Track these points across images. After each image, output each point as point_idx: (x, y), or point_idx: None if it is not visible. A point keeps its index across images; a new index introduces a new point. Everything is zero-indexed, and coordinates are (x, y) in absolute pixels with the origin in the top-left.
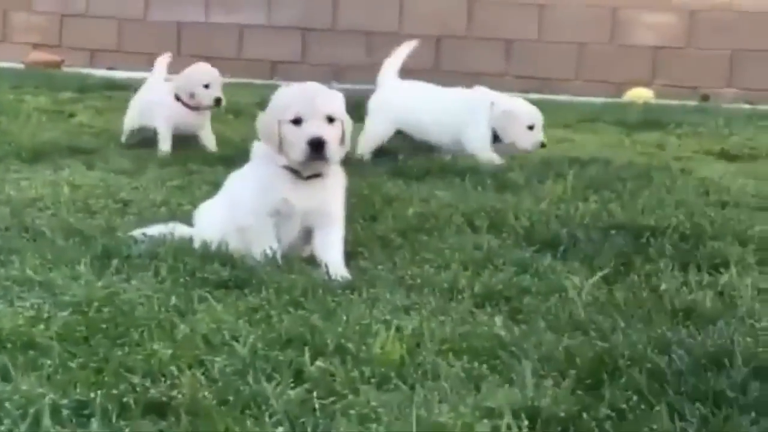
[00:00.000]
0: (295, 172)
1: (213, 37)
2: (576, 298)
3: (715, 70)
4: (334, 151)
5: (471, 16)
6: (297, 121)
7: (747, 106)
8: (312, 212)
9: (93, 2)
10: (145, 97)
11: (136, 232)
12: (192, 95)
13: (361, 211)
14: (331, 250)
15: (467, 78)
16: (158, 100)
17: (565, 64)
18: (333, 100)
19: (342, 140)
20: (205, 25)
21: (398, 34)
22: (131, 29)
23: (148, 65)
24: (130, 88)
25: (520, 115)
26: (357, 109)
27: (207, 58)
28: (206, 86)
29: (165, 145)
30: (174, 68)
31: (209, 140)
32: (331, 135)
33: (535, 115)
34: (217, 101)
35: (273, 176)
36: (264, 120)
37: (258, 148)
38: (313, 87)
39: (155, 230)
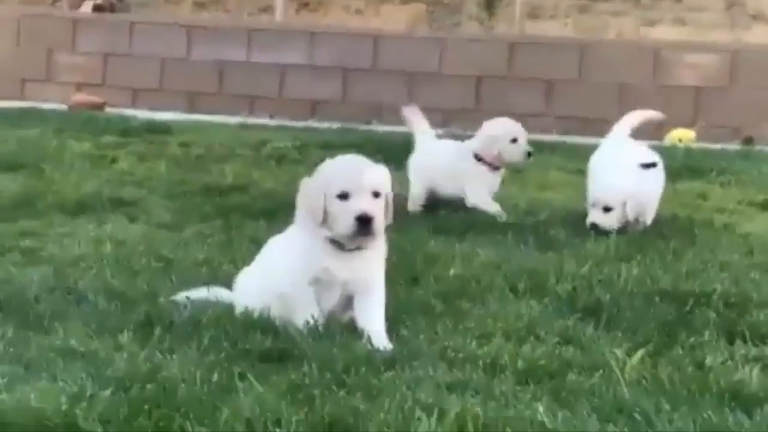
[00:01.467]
0: (337, 243)
1: (255, 76)
2: (619, 375)
3: (759, 111)
4: (380, 225)
5: (511, 57)
6: (344, 196)
7: None
8: (353, 282)
9: (136, 42)
10: (435, 161)
11: (180, 296)
12: (498, 153)
13: (402, 272)
14: (372, 320)
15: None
16: (463, 165)
17: (607, 104)
18: (379, 175)
19: (386, 214)
20: (247, 65)
21: (439, 75)
22: (173, 68)
23: (189, 105)
24: (170, 131)
25: None
26: (397, 151)
27: (249, 97)
28: (514, 141)
29: (494, 207)
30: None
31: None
32: (377, 210)
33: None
34: (529, 155)
35: (315, 246)
36: (308, 193)
37: (301, 214)
38: (359, 161)
39: (199, 294)
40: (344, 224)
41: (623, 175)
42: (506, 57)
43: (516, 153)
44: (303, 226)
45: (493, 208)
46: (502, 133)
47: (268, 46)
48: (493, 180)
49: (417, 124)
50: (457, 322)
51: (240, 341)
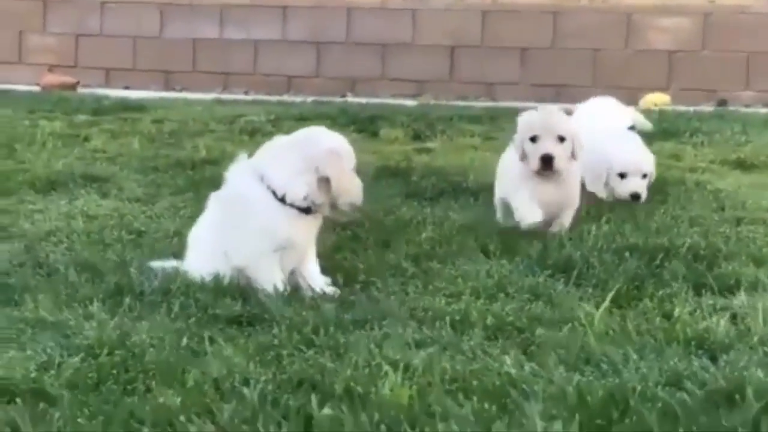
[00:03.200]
0: (304, 209)
1: (228, 52)
2: (588, 327)
3: (732, 73)
4: None
5: (485, 26)
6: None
7: (764, 111)
8: (310, 242)
9: (107, 21)
10: (505, 160)
11: (154, 263)
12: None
13: (373, 237)
14: (313, 274)
15: (482, 87)
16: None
17: (581, 71)
18: None
19: None
20: (221, 41)
21: (412, 45)
22: (146, 47)
23: (164, 83)
24: (144, 109)
25: None
26: (371, 122)
27: (223, 74)
28: (533, 139)
29: (526, 214)
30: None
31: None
32: None
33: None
34: (545, 161)
35: (279, 215)
36: (343, 171)
37: (247, 185)
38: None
39: (170, 264)
40: (357, 193)
41: (638, 142)
42: (480, 26)
43: (532, 156)
44: (259, 196)
45: (524, 213)
46: (521, 128)
47: (240, 22)
48: (537, 186)
49: None
50: (427, 283)
51: (210, 307)
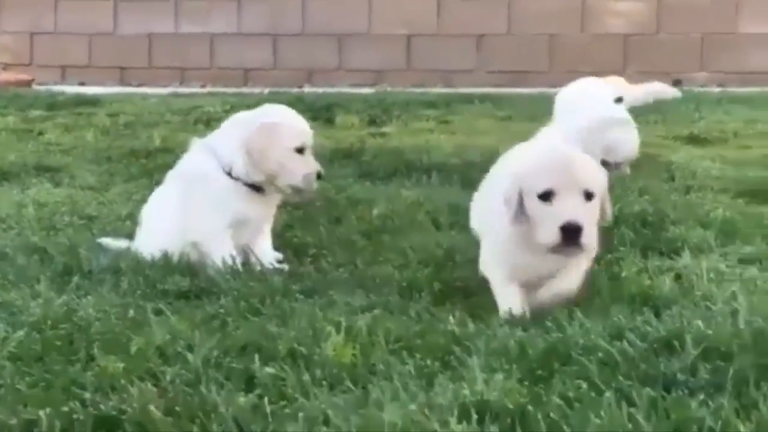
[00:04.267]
0: (256, 187)
1: (184, 47)
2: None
3: (687, 55)
4: None
5: (440, 13)
6: (300, 150)
7: (717, 90)
8: (265, 219)
9: (61, 18)
10: None
11: (105, 240)
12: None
13: (325, 215)
14: (265, 248)
15: (439, 75)
16: None
17: (538, 56)
18: None
19: None
20: (176, 36)
21: (368, 35)
22: (102, 43)
23: (120, 80)
24: (99, 103)
25: None
26: (328, 110)
27: (180, 69)
28: (545, 197)
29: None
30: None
31: None
32: None
33: None
34: (569, 232)
35: (231, 190)
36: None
37: (202, 162)
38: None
39: (121, 243)
40: (297, 175)
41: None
42: (435, 13)
43: (546, 223)
44: (211, 173)
45: (505, 306)
46: (522, 175)
47: (196, 16)
48: (532, 262)
49: None
50: (376, 254)
51: (159, 283)
